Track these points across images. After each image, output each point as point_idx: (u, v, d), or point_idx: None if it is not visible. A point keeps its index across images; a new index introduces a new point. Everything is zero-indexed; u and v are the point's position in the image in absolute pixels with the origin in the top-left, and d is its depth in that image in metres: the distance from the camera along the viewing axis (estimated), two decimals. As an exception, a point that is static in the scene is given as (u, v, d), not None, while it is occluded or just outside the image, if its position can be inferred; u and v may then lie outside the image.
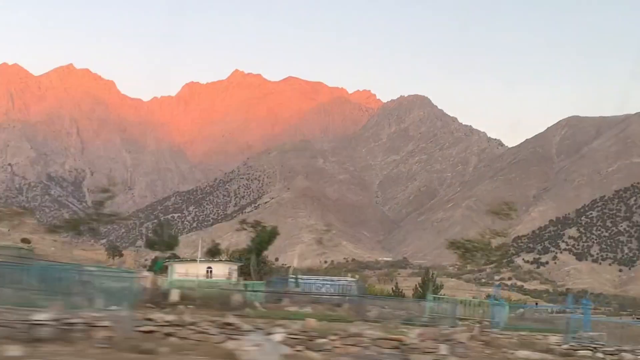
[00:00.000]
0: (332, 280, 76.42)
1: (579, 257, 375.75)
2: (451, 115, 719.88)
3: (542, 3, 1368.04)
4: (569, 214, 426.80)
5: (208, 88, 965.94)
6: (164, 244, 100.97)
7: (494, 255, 66.07)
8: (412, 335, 17.97)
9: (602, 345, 24.58)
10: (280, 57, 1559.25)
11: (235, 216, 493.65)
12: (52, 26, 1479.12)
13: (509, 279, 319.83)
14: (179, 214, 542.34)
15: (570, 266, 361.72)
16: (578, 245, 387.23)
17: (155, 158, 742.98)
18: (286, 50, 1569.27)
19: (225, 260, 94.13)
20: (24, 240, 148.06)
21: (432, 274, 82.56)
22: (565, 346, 24.65)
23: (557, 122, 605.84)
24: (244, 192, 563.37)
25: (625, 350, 23.15)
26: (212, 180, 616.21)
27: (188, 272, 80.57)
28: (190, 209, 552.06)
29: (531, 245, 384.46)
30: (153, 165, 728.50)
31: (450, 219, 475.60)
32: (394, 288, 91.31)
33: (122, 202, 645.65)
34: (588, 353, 23.43)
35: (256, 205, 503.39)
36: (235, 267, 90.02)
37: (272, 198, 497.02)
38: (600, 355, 23.12)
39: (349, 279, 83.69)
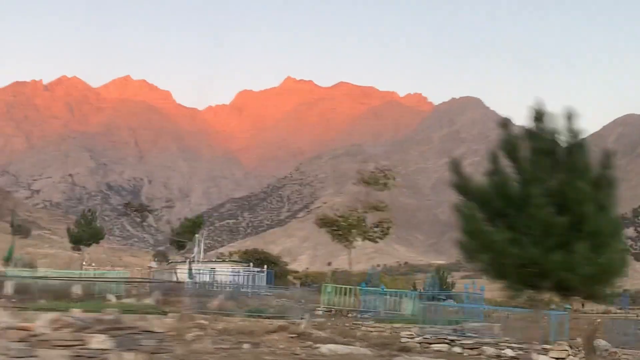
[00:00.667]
0: (240, 269, 72.68)
1: (637, 257, 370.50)
2: (504, 116, 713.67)
3: (595, 2, 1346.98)
4: (625, 213, 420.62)
5: (261, 95, 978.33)
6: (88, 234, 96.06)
7: (372, 232, 58.36)
8: (42, 322, 13.84)
9: (478, 338, 22.21)
10: (331, 62, 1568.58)
11: (288, 221, 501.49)
12: (109, 39, 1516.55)
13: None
14: (234, 220, 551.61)
15: (628, 267, 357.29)
16: (636, 245, 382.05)
17: (210, 165, 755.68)
18: (337, 55, 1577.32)
19: (230, 261, 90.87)
20: (75, 248, 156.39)
21: (443, 271, 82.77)
22: (418, 339, 22.78)
23: (613, 121, 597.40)
24: (296, 197, 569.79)
25: (488, 344, 21.36)
26: (266, 186, 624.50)
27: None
28: (245, 215, 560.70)
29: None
30: (208, 173, 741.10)
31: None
32: (412, 287, 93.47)
33: (179, 209, 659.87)
34: (444, 347, 21.40)
35: (308, 210, 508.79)
36: (238, 268, 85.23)
37: (324, 203, 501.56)
38: (457, 349, 21.15)
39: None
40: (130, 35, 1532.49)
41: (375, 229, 57.55)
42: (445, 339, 22.04)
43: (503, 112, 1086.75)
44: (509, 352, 21.68)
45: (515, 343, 22.35)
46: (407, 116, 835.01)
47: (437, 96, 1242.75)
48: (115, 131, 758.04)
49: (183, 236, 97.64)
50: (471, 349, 21.38)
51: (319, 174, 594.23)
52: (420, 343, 22.50)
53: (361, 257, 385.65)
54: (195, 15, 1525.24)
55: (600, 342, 22.47)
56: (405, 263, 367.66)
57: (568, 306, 42.06)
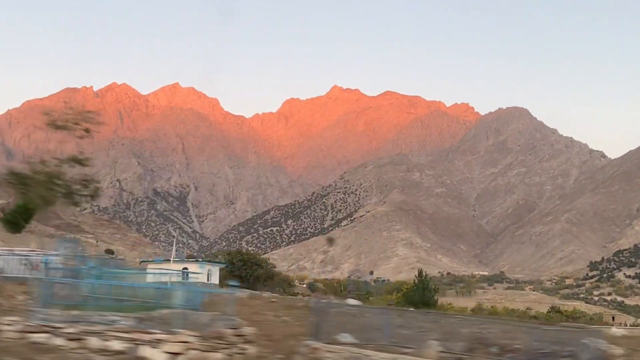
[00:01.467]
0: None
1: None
2: (551, 127, 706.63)
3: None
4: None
5: (307, 104, 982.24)
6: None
7: (78, 192, 47.14)
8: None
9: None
10: (378, 71, 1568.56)
11: (331, 229, 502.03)
12: (159, 46, 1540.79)
13: (609, 294, 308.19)
14: (277, 228, 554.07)
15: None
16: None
17: (256, 173, 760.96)
18: (384, 64, 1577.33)
19: (203, 261, 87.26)
20: (108, 251, 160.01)
21: (424, 274, 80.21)
22: (19, 327, 18.40)
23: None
24: (340, 205, 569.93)
25: (98, 333, 17.44)
26: (310, 194, 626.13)
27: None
28: (289, 222, 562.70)
29: (633, 259, 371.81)
30: (254, 180, 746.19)
31: (549, 233, 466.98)
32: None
33: (224, 216, 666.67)
34: (43, 337, 17.87)
35: (352, 218, 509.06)
36: (216, 268, 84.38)
37: (368, 211, 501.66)
38: (58, 341, 17.65)
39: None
40: (180, 43, 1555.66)
41: (81, 189, 40.87)
42: (51, 326, 18.02)
43: (550, 122, 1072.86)
44: (116, 345, 16.48)
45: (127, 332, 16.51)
46: (453, 126, 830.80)
47: (484, 106, 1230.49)
48: (163, 138, 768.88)
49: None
50: (76, 339, 17.51)
51: (364, 182, 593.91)
52: (20, 332, 18.11)
53: (403, 266, 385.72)
54: (244, 24, 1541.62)
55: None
56: (448, 274, 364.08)
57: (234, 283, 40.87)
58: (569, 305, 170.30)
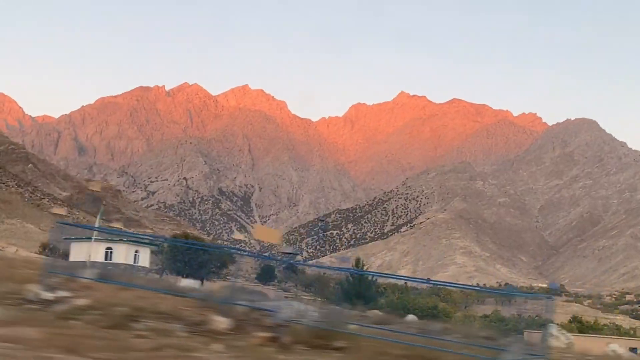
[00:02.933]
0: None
1: None
2: (620, 140, 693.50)
3: None
4: None
5: (374, 109, 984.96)
6: None
7: None
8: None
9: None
10: (445, 79, 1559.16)
11: (390, 235, 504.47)
12: (231, 48, 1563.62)
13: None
14: (337, 231, 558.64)
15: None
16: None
17: (320, 176, 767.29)
18: (451, 72, 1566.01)
19: (130, 241, 79.55)
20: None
21: (362, 263, 74.04)
22: None
23: None
24: (401, 211, 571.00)
25: None
26: (372, 199, 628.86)
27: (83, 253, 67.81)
28: (349, 226, 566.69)
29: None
30: (317, 183, 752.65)
31: (613, 247, 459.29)
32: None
33: (287, 217, 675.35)
34: None
35: (411, 224, 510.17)
36: (146, 250, 78.92)
37: (428, 218, 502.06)
38: None
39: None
40: (251, 45, 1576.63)
41: None
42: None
43: (619, 135, 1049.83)
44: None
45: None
46: (519, 135, 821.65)
47: (552, 116, 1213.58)
48: (230, 138, 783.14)
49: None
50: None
51: (425, 189, 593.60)
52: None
53: (461, 274, 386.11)
54: (314, 29, 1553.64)
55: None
56: (506, 284, 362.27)
57: None
58: (612, 319, 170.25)
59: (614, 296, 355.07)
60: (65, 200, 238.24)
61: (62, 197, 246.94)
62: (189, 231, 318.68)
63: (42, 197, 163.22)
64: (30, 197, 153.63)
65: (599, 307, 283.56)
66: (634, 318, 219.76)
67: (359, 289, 60.08)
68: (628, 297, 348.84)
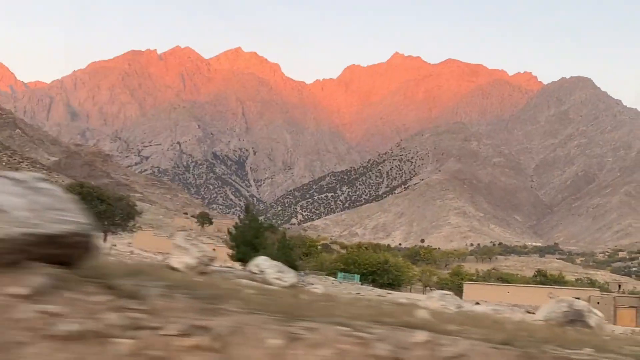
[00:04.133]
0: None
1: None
2: (615, 97, 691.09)
3: None
4: None
5: (368, 71, 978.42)
6: None
7: None
8: None
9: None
10: (440, 39, 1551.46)
11: (385, 197, 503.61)
12: (223, 10, 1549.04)
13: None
14: (332, 194, 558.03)
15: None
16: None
17: (314, 139, 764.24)
18: (446, 31, 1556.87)
19: None
20: None
21: (253, 207, 65.88)
22: None
23: None
24: (395, 173, 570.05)
25: None
26: (366, 161, 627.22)
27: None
28: (344, 189, 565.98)
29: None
30: (312, 146, 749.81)
31: (607, 205, 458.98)
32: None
33: (282, 180, 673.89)
34: None
35: (406, 186, 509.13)
36: None
37: (422, 180, 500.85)
38: None
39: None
40: (243, 7, 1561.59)
41: None
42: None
43: (615, 93, 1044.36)
44: None
45: None
46: (514, 95, 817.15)
47: (547, 75, 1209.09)
48: (223, 102, 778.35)
49: None
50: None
51: (420, 150, 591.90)
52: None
53: (455, 235, 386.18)
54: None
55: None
56: (500, 244, 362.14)
57: None
58: (595, 275, 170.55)
59: (607, 253, 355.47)
60: (52, 166, 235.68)
61: (50, 163, 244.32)
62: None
63: (20, 161, 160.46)
64: (9, 160, 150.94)
65: (591, 264, 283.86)
66: (626, 275, 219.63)
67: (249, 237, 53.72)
68: (621, 254, 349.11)
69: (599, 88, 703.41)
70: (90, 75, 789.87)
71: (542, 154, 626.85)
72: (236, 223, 58.49)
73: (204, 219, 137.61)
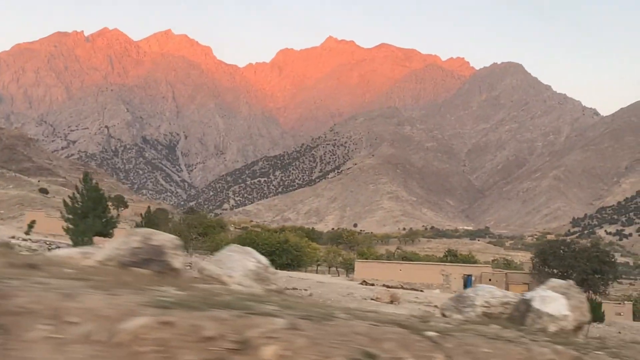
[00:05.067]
0: None
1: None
2: (545, 83, 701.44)
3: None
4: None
5: (302, 54, 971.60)
6: None
7: None
8: None
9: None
10: (374, 23, 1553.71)
11: (318, 181, 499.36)
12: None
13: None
14: (265, 179, 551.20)
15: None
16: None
17: (247, 123, 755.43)
18: (380, 16, 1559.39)
19: None
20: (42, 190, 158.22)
21: (90, 177, 55.13)
22: None
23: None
24: (329, 158, 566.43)
25: None
26: (300, 146, 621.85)
27: None
28: (277, 173, 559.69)
29: (616, 216, 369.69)
30: (245, 131, 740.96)
31: (536, 189, 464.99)
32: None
33: (214, 165, 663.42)
34: None
35: (339, 171, 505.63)
36: None
37: (355, 164, 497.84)
38: None
39: None
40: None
41: None
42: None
43: (544, 79, 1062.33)
44: None
45: None
46: (447, 81, 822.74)
47: (479, 61, 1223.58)
48: (153, 85, 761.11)
49: None
50: None
51: (353, 135, 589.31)
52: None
53: (388, 219, 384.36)
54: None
55: None
56: (432, 227, 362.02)
57: None
58: (516, 256, 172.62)
59: (535, 236, 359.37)
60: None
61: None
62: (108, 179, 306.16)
63: None
64: None
65: (519, 247, 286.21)
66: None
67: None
68: (549, 237, 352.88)
69: (530, 74, 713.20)
70: (15, 57, 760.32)
71: (474, 138, 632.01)
72: (73, 193, 51.43)
73: (119, 202, 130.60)
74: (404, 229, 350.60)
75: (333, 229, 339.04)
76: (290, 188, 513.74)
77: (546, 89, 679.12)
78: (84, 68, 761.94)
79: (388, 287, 64.13)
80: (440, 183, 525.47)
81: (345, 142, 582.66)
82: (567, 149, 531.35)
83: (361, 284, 66.47)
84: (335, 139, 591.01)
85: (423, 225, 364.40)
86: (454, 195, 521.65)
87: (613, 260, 76.39)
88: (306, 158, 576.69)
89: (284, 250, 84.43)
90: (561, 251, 75.32)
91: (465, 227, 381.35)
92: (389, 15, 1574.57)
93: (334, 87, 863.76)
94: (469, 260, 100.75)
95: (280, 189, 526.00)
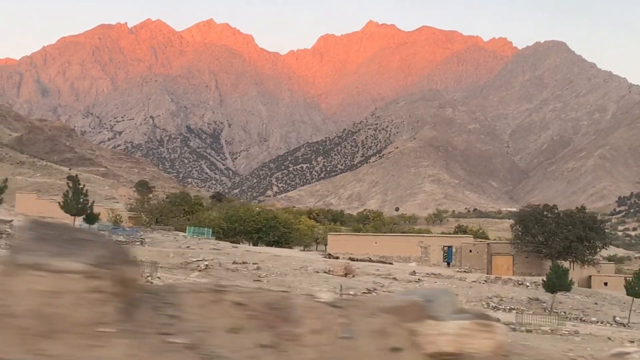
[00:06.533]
0: None
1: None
2: (589, 61, 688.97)
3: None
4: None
5: (343, 40, 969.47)
6: None
7: None
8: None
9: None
10: (414, 6, 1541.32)
11: (360, 166, 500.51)
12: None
13: (634, 229, 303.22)
14: (308, 165, 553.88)
15: None
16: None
17: (290, 110, 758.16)
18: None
19: None
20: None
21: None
22: None
23: None
24: (371, 142, 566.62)
25: None
26: (341, 131, 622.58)
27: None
28: (319, 159, 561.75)
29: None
30: (288, 117, 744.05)
31: (582, 169, 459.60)
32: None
33: (257, 153, 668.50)
34: None
35: (380, 155, 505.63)
36: None
37: (396, 148, 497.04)
38: None
39: None
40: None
41: None
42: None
43: (589, 56, 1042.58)
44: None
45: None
46: (489, 61, 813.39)
47: (522, 40, 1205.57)
48: (196, 74, 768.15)
49: None
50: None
51: (395, 119, 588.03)
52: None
53: (430, 202, 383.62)
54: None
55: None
56: (475, 210, 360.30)
57: None
58: None
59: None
60: (13, 141, 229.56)
61: (11, 139, 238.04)
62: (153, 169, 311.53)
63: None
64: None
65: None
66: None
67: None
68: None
69: (573, 52, 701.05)
70: (61, 50, 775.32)
71: (517, 119, 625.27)
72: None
73: (144, 188, 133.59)
74: (446, 211, 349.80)
75: (382, 213, 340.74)
76: (333, 173, 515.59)
77: (591, 67, 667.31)
78: (128, 59, 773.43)
79: (353, 259, 64.63)
80: (483, 165, 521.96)
81: (387, 126, 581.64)
82: (612, 128, 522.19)
83: (327, 257, 66.46)
84: (377, 123, 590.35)
85: (466, 208, 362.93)
86: (497, 177, 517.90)
87: (601, 225, 71.41)
88: (348, 143, 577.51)
89: (271, 227, 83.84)
90: (543, 217, 70.41)
91: (509, 209, 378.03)
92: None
93: (376, 71, 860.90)
94: (479, 236, 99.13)
95: (322, 175, 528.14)
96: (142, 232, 64.97)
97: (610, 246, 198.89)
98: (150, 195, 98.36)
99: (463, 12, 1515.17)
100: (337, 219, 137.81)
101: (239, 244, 74.30)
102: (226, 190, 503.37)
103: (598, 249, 71.00)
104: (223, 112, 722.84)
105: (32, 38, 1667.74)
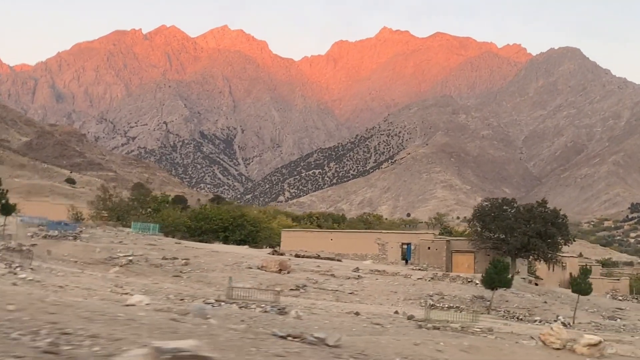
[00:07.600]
0: None
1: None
2: (604, 67, 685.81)
3: None
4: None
5: (357, 46, 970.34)
6: None
7: None
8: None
9: None
10: (429, 12, 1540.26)
11: (372, 171, 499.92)
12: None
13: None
14: (320, 170, 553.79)
15: None
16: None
17: (303, 116, 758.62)
18: (435, 5, 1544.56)
19: None
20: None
21: None
22: None
23: None
24: (383, 148, 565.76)
25: None
26: (354, 137, 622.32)
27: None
28: (331, 165, 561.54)
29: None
30: (301, 123, 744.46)
31: (595, 175, 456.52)
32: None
33: (270, 158, 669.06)
34: None
35: (392, 160, 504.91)
36: None
37: (409, 154, 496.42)
38: None
39: None
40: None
41: None
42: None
43: (603, 63, 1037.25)
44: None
45: None
46: (503, 68, 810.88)
47: (536, 46, 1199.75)
48: (210, 80, 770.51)
49: None
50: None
51: (408, 124, 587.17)
52: None
53: (441, 208, 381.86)
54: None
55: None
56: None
57: None
58: None
59: (593, 223, 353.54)
60: (23, 146, 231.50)
61: (21, 143, 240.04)
62: (165, 175, 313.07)
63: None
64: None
65: (576, 233, 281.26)
66: (603, 245, 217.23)
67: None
68: (606, 224, 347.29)
69: (588, 58, 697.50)
70: (75, 56, 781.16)
71: (531, 125, 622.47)
72: None
73: (140, 189, 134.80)
74: (458, 217, 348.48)
75: (386, 219, 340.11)
76: (345, 179, 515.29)
77: (605, 73, 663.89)
78: (142, 65, 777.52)
79: (299, 256, 63.91)
80: (496, 171, 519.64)
81: (400, 132, 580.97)
82: (627, 134, 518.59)
83: (271, 254, 65.43)
84: (390, 129, 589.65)
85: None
86: (510, 183, 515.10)
87: (563, 220, 67.62)
88: (360, 149, 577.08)
89: (238, 226, 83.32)
90: (502, 212, 67.72)
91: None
92: (443, 3, 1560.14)
93: (389, 77, 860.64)
94: (467, 236, 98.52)
95: (334, 180, 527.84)
96: (80, 228, 64.12)
97: (614, 251, 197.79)
98: (112, 193, 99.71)
99: (477, 19, 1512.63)
100: (338, 222, 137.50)
101: (207, 243, 73.70)
102: (238, 196, 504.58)
103: (560, 246, 67.74)
104: (236, 118, 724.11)
105: (47, 44, 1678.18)
